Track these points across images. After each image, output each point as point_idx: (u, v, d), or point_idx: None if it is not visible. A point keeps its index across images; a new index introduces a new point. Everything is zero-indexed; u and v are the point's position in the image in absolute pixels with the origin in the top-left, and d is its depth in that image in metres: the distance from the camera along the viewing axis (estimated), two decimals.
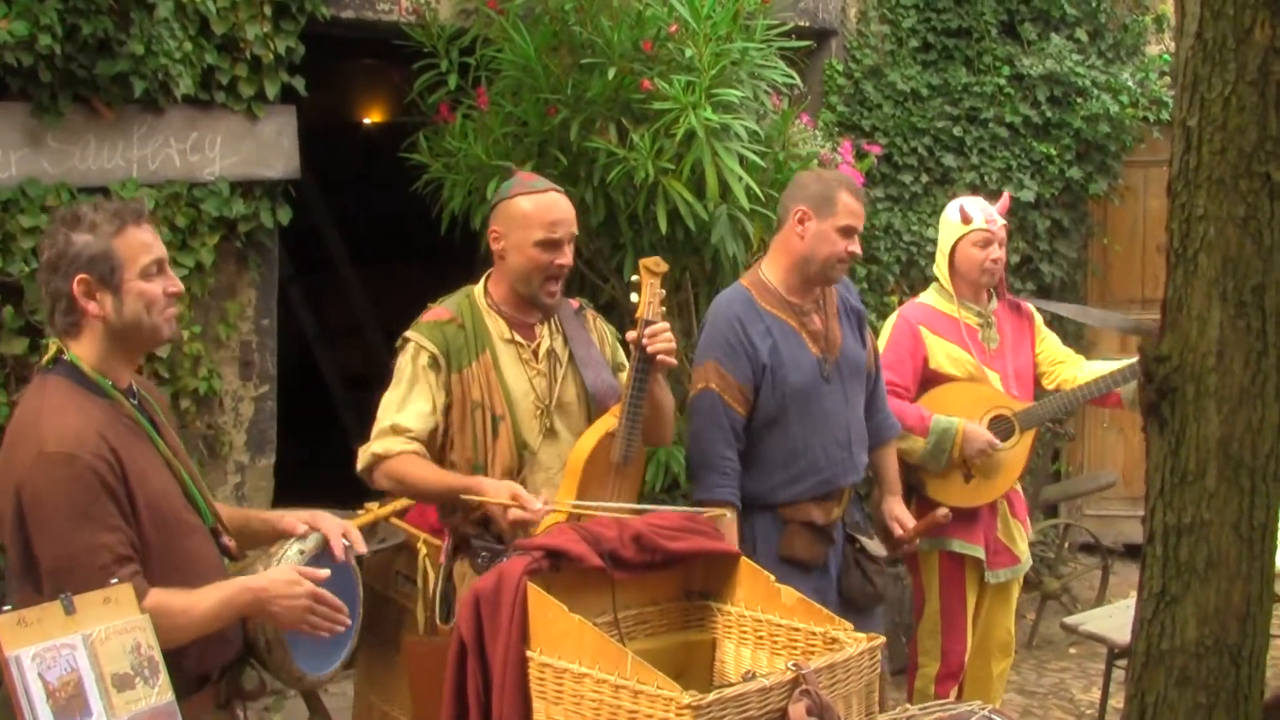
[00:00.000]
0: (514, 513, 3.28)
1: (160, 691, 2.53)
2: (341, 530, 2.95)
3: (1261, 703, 2.23)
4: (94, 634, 2.47)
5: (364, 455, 3.49)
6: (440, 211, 5.27)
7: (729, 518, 3.75)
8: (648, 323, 3.48)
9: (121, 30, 4.47)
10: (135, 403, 2.78)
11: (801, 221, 3.94)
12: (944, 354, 4.57)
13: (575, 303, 3.77)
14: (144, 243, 2.72)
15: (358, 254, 9.30)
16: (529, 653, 2.80)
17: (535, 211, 3.51)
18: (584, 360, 3.62)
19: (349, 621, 2.84)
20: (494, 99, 5.20)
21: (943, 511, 4.28)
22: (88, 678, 2.44)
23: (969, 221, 4.58)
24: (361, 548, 2.99)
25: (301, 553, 2.88)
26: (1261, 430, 2.14)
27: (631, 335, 3.51)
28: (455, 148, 5.20)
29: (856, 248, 3.97)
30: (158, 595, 2.61)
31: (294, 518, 2.97)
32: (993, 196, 7.03)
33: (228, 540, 2.91)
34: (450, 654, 2.98)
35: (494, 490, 3.34)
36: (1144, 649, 2.25)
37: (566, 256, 3.52)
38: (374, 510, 4.04)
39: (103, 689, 2.45)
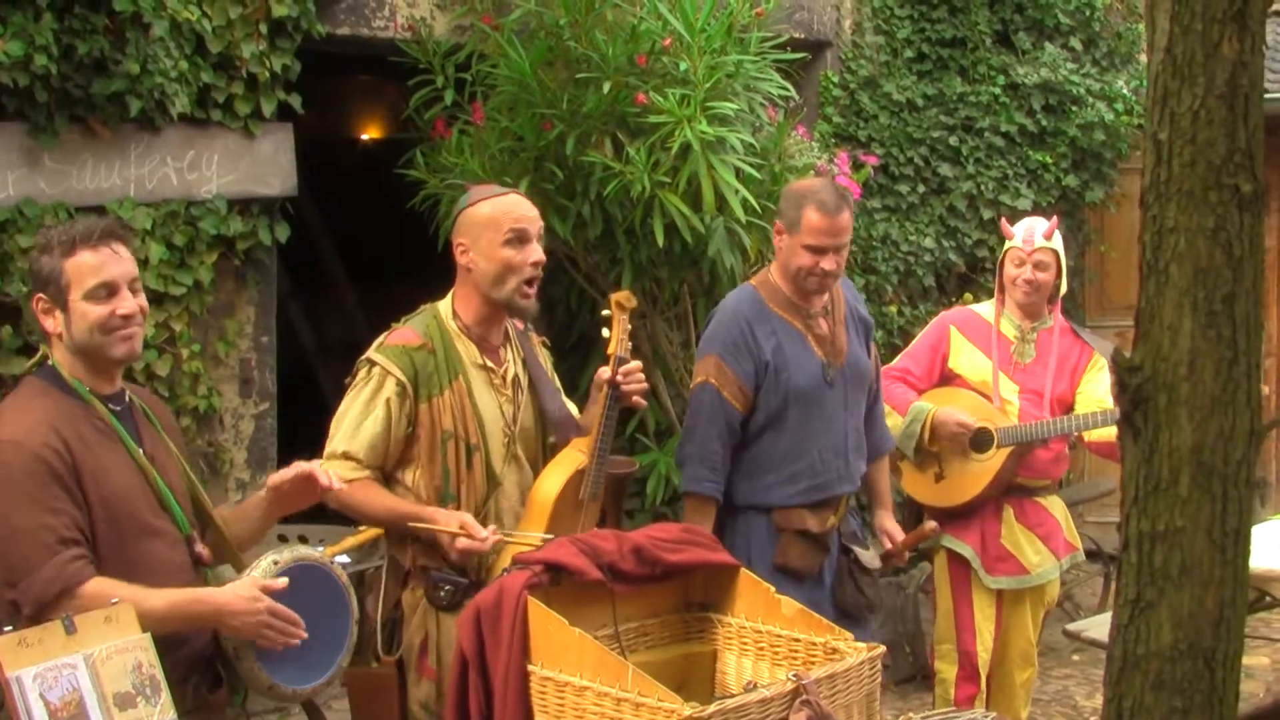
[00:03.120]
0: (462, 542, 3.25)
1: (162, 710, 2.54)
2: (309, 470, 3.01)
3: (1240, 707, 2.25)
4: (95, 653, 2.48)
5: None
6: (437, 227, 5.29)
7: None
8: (620, 360, 3.46)
9: (117, 50, 4.49)
10: (119, 409, 2.85)
11: (779, 234, 3.98)
12: (965, 356, 4.62)
13: (520, 324, 3.68)
14: (91, 265, 2.77)
15: (355, 270, 9.32)
16: (530, 667, 2.81)
17: (497, 212, 3.44)
18: (543, 387, 3.58)
19: (303, 634, 2.83)
20: (490, 114, 5.22)
21: (930, 525, 4.35)
22: (89, 697, 2.45)
23: (1009, 238, 4.64)
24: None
25: (275, 563, 2.86)
26: (1233, 438, 2.15)
27: (604, 372, 3.48)
28: (452, 163, 5.22)
29: (829, 264, 3.87)
30: (100, 583, 2.66)
31: (275, 479, 3.05)
32: (991, 205, 7.12)
33: (201, 549, 2.92)
34: (453, 669, 2.99)
35: (445, 519, 3.30)
36: (1120, 654, 2.26)
37: (538, 254, 3.44)
38: (372, 528, 4.03)
39: (104, 708, 2.46)
